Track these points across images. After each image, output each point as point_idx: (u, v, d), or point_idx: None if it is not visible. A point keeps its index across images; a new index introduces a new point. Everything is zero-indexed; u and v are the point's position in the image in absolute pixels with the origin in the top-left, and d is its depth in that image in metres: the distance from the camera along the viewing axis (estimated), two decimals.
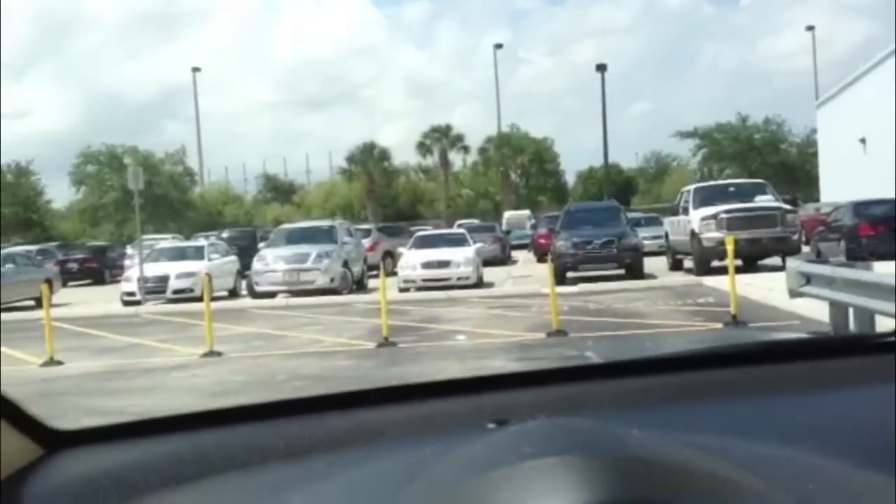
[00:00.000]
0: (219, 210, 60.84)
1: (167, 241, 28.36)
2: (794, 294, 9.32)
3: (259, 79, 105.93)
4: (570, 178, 65.97)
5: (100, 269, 31.46)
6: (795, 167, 52.39)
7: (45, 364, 10.80)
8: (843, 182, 34.95)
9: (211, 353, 10.90)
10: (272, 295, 19.67)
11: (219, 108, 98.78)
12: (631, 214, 29.50)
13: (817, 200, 36.79)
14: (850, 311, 8.44)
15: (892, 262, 13.82)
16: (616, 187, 53.73)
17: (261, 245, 24.88)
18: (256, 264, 20.37)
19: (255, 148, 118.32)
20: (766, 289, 13.75)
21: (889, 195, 21.08)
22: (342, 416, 1.08)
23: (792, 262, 9.63)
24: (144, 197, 48.44)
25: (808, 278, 8.97)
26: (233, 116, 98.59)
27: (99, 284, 29.50)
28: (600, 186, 53.29)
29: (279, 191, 71.22)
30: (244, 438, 1.03)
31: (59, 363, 10.88)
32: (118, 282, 22.67)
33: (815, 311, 9.97)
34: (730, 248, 11.76)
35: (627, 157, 76.50)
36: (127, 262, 27.96)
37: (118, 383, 9.38)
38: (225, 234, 31.79)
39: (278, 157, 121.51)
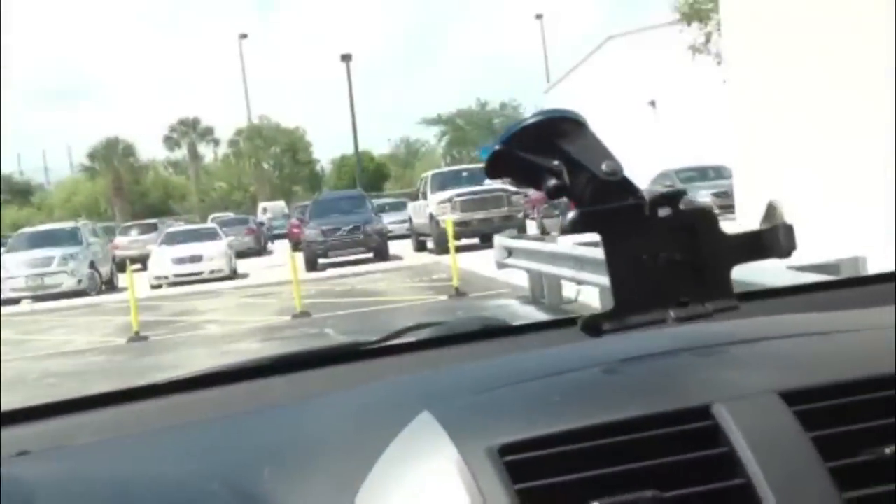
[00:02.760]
0: None
1: None
2: (500, 265, 10.84)
3: None
4: (326, 166, 66.89)
5: None
6: None
7: None
8: None
9: None
10: (16, 302, 19.14)
11: None
12: (379, 201, 31.08)
13: None
14: (542, 278, 10.03)
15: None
16: (368, 174, 55.30)
17: None
18: None
19: None
20: (490, 262, 15.44)
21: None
22: (105, 412, 1.13)
23: (497, 238, 11.14)
24: None
25: (510, 251, 10.50)
26: None
27: None
28: (353, 174, 54.60)
29: (15, 192, 66.71)
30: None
31: None
32: None
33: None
34: (450, 229, 13.26)
35: (380, 144, 78.47)
36: None
37: None
38: None
39: (10, 155, 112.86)
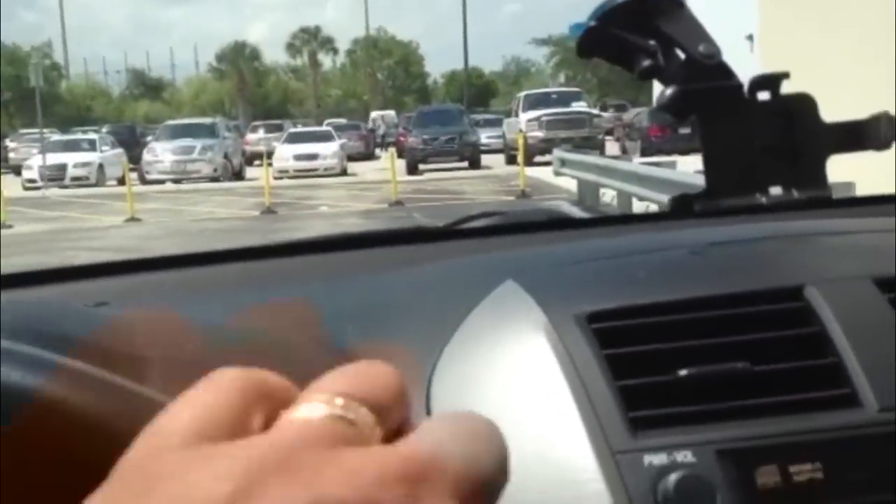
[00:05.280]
0: (87, 105, 61.36)
1: (58, 134, 30.53)
2: (556, 173, 13.40)
3: None
4: (438, 80, 69.44)
5: None
6: None
7: None
8: None
9: (132, 219, 14.20)
10: (161, 182, 22.69)
11: None
12: (478, 116, 33.78)
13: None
14: (586, 184, 12.53)
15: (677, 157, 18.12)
16: (477, 90, 57.67)
17: (149, 139, 27.50)
18: (147, 155, 23.36)
19: (113, 40, 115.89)
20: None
21: None
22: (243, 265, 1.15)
23: (555, 151, 13.66)
24: (14, 91, 49.08)
25: (563, 162, 13.03)
26: (88, 6, 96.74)
27: None
28: (462, 89, 57.04)
29: (147, 87, 71.73)
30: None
31: (10, 226, 13.94)
32: None
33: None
34: (520, 142, 15.85)
35: (493, 61, 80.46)
36: (12, 154, 30.18)
37: (73, 236, 12.62)
38: (105, 130, 34.00)
39: (139, 49, 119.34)
